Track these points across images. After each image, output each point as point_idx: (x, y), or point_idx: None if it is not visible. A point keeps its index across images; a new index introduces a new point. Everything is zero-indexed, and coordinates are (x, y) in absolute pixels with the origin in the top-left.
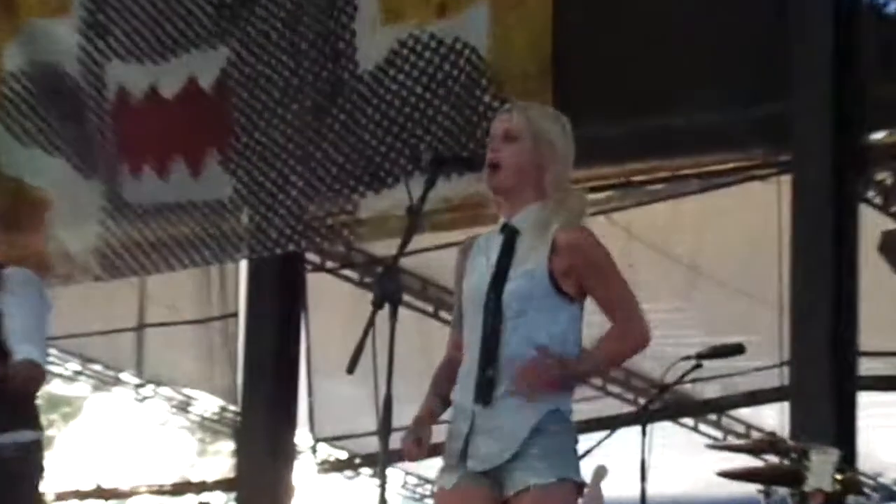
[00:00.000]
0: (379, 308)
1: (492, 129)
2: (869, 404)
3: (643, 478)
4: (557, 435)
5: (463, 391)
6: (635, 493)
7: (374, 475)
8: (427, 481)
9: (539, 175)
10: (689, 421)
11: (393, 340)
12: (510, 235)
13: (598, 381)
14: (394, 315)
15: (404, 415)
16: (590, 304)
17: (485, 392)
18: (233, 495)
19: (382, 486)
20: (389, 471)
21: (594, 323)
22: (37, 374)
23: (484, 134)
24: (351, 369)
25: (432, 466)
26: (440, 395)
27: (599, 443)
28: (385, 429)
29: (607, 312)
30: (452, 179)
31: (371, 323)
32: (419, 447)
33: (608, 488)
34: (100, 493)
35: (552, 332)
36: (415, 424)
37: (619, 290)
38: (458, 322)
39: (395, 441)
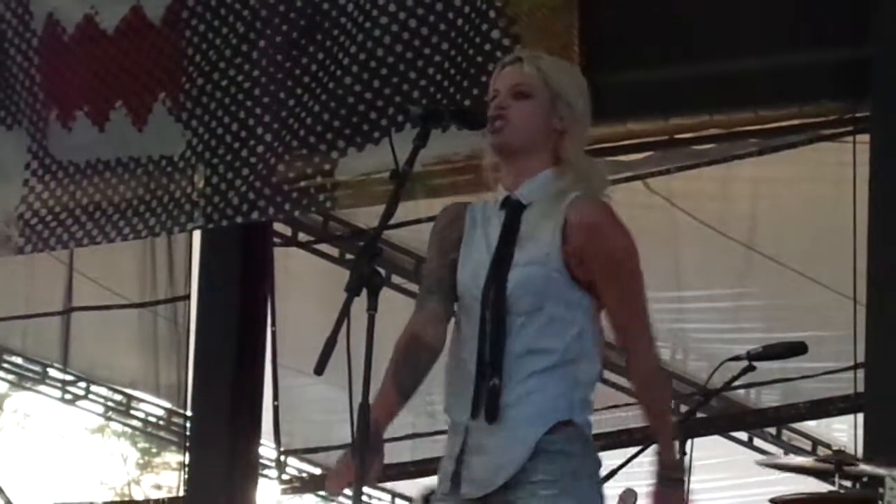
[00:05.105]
0: (355, 294)
1: (495, 82)
2: None
3: None
4: (568, 457)
5: (456, 401)
6: None
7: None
8: None
9: (555, 141)
10: (741, 435)
11: (371, 334)
12: (514, 211)
13: (626, 384)
14: (373, 303)
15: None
16: None
17: (488, 405)
18: None
19: None
20: (370, 492)
21: None
22: None
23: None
24: (319, 370)
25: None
26: (399, 385)
27: (628, 461)
28: (362, 441)
29: (613, 324)
30: (451, 133)
31: (345, 312)
32: (348, 473)
33: None
34: None
35: (566, 336)
36: (358, 437)
37: (633, 303)
38: (432, 290)
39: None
